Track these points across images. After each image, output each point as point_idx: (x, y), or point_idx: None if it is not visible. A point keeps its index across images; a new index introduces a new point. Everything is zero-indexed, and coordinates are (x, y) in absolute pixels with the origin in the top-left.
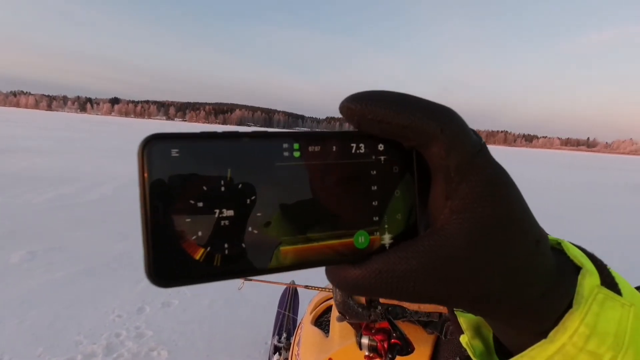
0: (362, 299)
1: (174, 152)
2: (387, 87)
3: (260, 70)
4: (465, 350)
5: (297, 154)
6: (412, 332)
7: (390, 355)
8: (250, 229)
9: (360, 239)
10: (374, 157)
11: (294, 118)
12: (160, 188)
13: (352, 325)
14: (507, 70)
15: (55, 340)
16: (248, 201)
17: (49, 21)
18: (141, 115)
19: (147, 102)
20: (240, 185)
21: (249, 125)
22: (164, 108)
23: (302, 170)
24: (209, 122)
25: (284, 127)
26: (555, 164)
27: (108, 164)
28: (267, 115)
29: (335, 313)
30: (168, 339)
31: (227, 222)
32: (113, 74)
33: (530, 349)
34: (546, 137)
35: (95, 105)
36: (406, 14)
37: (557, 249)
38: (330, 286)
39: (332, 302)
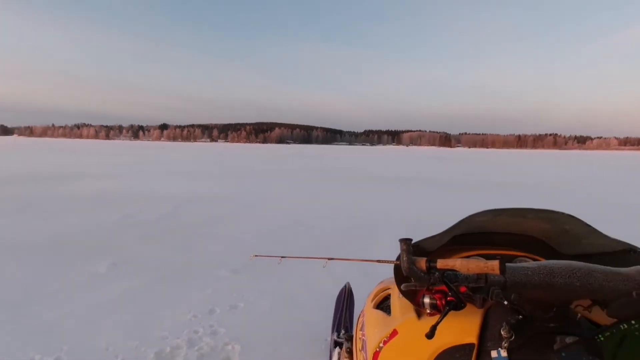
0: (423, 266)
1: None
2: (423, 96)
3: (298, 89)
4: (511, 318)
5: None
6: (469, 306)
7: (447, 307)
8: None
9: None
10: None
11: (332, 133)
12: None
13: (413, 293)
14: (551, 70)
15: (146, 336)
16: None
17: (102, 58)
18: (187, 138)
19: (192, 126)
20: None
21: (288, 143)
22: (208, 130)
23: None
24: (249, 142)
25: (322, 143)
26: (607, 165)
27: (162, 185)
28: (306, 132)
29: (395, 295)
30: (238, 335)
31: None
32: (161, 101)
33: None
34: (601, 137)
35: (146, 132)
36: (438, 21)
37: None
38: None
39: (390, 291)
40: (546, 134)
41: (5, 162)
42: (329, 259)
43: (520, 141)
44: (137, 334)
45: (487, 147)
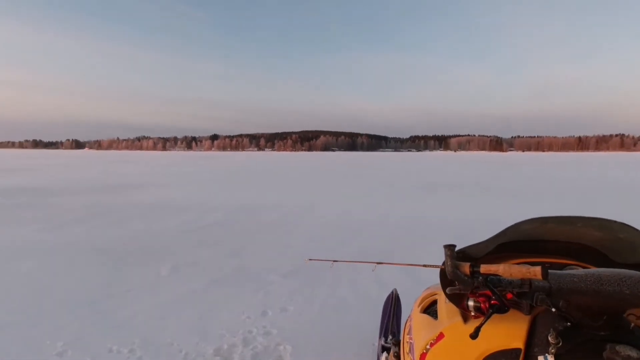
0: (467, 271)
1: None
2: (471, 99)
3: (343, 96)
4: (559, 325)
5: None
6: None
7: (491, 310)
8: None
9: None
10: None
11: (377, 140)
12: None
13: (458, 297)
14: (616, 65)
15: (205, 333)
16: None
17: (158, 76)
18: (236, 148)
19: (240, 135)
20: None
21: (333, 150)
22: (255, 140)
23: None
24: (295, 150)
25: (367, 150)
26: None
27: (214, 194)
28: (351, 139)
29: (441, 300)
30: (290, 336)
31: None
32: (212, 113)
33: None
34: None
35: (198, 143)
36: (485, 21)
37: None
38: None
39: (436, 296)
40: (611, 135)
41: (80, 173)
42: (378, 263)
43: (581, 143)
44: (198, 332)
45: (543, 151)
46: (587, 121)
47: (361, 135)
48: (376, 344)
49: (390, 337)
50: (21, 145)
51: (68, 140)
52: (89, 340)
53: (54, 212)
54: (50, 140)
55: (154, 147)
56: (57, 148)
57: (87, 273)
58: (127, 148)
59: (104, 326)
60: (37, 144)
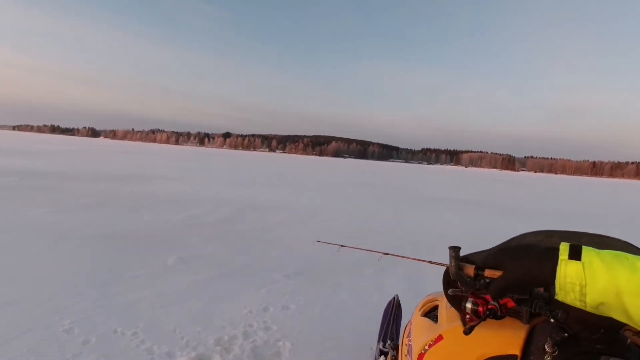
0: (471, 273)
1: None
2: (486, 116)
3: (356, 104)
4: (557, 335)
5: None
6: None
7: (488, 313)
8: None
9: None
10: None
11: (389, 149)
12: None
13: (459, 300)
14: (635, 95)
15: (207, 324)
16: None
17: (176, 71)
18: (248, 147)
19: (253, 135)
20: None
21: (344, 157)
22: (267, 141)
23: None
24: (306, 154)
25: (378, 159)
26: None
27: (223, 191)
28: (362, 147)
29: (443, 305)
30: (289, 334)
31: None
32: (226, 111)
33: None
34: None
35: (211, 139)
36: (504, 39)
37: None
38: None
39: (438, 302)
40: (627, 162)
41: (96, 161)
42: (385, 253)
43: (595, 168)
44: (200, 321)
45: (556, 173)
46: (602, 146)
47: (373, 143)
48: (374, 347)
49: (389, 341)
50: (39, 129)
51: (84, 127)
52: (95, 320)
53: (69, 196)
54: (67, 127)
55: (167, 141)
56: (74, 134)
57: (97, 257)
58: (141, 140)
59: (110, 308)
60: (54, 129)
